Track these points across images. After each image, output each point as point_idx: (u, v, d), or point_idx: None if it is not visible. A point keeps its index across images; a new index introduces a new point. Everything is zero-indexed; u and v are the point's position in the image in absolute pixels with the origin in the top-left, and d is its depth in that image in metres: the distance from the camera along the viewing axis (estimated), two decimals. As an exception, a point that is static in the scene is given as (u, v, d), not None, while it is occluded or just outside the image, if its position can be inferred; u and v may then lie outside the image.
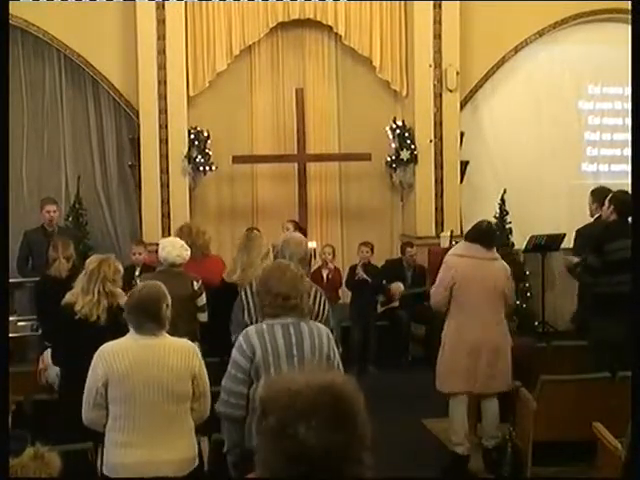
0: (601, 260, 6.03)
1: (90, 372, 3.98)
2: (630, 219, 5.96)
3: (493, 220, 9.77)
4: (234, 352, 3.89)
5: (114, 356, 3.92)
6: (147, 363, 3.92)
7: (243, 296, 5.00)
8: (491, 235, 5.97)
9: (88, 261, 5.26)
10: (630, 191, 5.21)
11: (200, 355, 4.11)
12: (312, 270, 8.52)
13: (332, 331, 4.90)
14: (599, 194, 6.82)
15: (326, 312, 4.85)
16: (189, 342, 4.14)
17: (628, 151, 9.39)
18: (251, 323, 4.90)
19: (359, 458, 1.73)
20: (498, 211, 9.88)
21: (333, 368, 3.84)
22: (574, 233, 7.06)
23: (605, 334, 5.97)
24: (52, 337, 5.62)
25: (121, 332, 4.24)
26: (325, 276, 8.53)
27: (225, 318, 5.90)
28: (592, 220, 7.02)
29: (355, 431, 1.72)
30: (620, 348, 5.91)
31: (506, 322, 5.94)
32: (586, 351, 6.17)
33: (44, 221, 8.56)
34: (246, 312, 4.95)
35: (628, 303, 5.84)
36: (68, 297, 5.14)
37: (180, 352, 3.99)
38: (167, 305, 4.05)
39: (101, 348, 3.99)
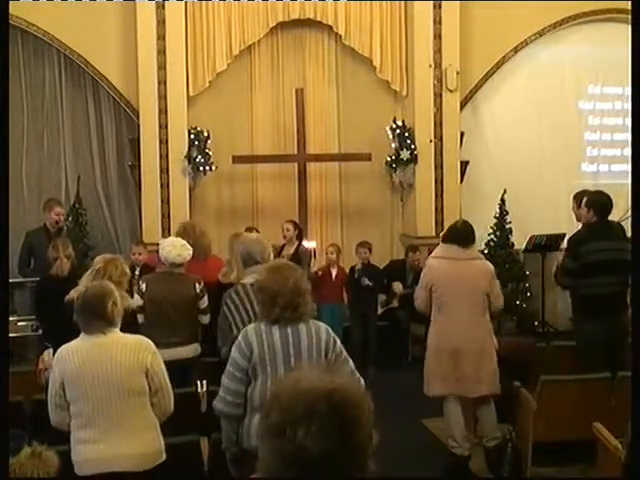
0: (578, 263, 6.01)
1: (50, 374, 4.12)
2: (626, 218, 5.97)
3: (493, 220, 9.81)
4: (233, 350, 3.90)
5: (67, 357, 4.02)
6: (97, 361, 3.98)
7: (226, 309, 4.99)
8: (466, 234, 5.77)
9: (96, 260, 5.28)
10: (630, 191, 5.19)
11: (155, 350, 4.12)
12: (320, 269, 8.62)
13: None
14: (578, 198, 6.70)
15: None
16: (141, 337, 4.20)
17: (628, 151, 9.40)
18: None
19: (359, 465, 1.71)
20: (498, 211, 9.87)
21: (340, 364, 3.84)
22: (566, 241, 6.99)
23: (587, 336, 5.98)
24: (54, 336, 5.60)
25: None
26: (334, 275, 8.60)
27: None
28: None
29: (356, 439, 1.70)
30: (603, 349, 5.92)
31: (490, 323, 5.83)
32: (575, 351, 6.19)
33: (49, 223, 8.52)
34: (233, 325, 4.93)
35: (607, 304, 5.87)
36: (71, 294, 5.15)
37: (130, 348, 4.04)
38: (114, 303, 4.09)
39: (58, 350, 4.11)
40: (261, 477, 1.76)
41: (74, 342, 4.09)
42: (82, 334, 4.09)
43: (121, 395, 3.99)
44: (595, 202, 6.15)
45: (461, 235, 5.75)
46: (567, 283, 6.27)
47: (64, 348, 4.08)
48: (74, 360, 3.99)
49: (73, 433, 4.04)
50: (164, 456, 4.13)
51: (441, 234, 6.33)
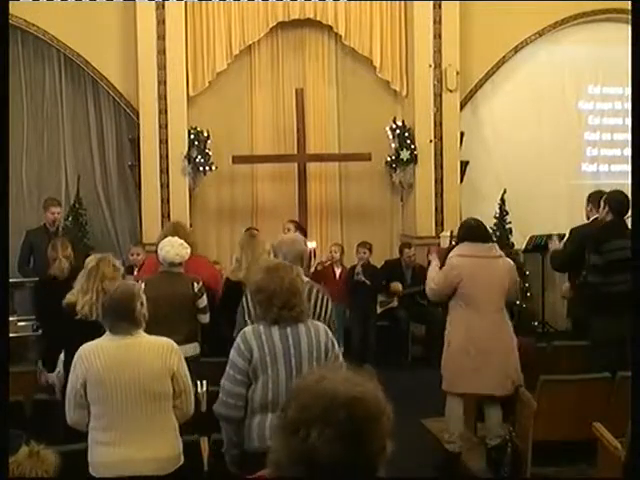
0: (602, 259, 6.01)
1: (70, 373, 4.01)
2: (626, 218, 5.96)
3: (493, 220, 9.81)
4: (232, 353, 3.87)
5: (91, 357, 3.93)
6: (123, 363, 3.92)
7: (244, 301, 4.98)
8: (484, 231, 6.00)
9: (87, 260, 5.26)
10: (630, 191, 5.19)
11: (179, 353, 4.08)
12: (324, 268, 8.62)
13: (332, 329, 4.87)
14: (594, 197, 6.80)
15: (329, 312, 4.81)
16: (167, 340, 4.12)
17: (628, 151, 9.39)
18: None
19: (367, 473, 1.70)
20: (498, 211, 9.88)
21: (340, 365, 3.83)
22: (567, 232, 7.01)
23: (604, 333, 5.96)
24: (53, 337, 5.58)
25: None
26: (339, 274, 8.62)
27: (232, 316, 5.89)
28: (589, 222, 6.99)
29: (368, 450, 1.68)
30: (620, 347, 5.91)
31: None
32: (587, 350, 6.15)
33: (47, 222, 8.55)
34: (247, 316, 4.92)
35: (625, 302, 5.86)
36: (69, 297, 5.14)
37: (157, 350, 3.99)
38: (142, 303, 4.04)
39: (80, 349, 4.01)
40: (268, 476, 1.75)
41: (98, 341, 4.01)
42: (107, 334, 4.01)
43: (147, 398, 3.92)
44: (615, 200, 6.15)
45: (480, 232, 5.91)
46: (596, 280, 6.21)
47: (87, 347, 3.99)
48: (99, 360, 3.91)
49: (92, 434, 3.96)
50: (182, 460, 4.09)
51: (453, 234, 6.39)
